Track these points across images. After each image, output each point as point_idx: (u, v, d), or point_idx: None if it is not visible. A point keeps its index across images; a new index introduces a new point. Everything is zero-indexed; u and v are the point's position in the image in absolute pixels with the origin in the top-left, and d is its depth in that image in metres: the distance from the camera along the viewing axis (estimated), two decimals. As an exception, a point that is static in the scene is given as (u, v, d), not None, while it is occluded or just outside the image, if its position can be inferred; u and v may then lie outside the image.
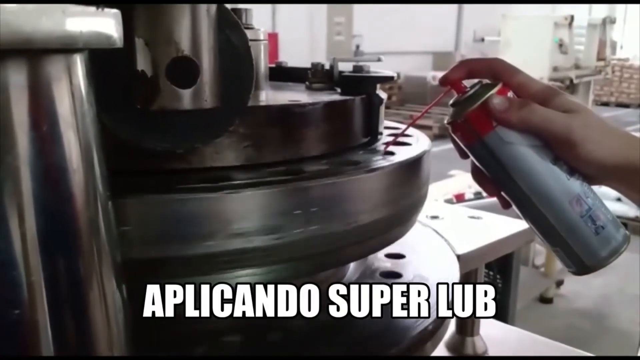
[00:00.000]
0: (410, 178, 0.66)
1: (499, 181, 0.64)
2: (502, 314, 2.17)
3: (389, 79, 0.73)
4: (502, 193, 0.66)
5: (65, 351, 0.33)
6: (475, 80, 0.66)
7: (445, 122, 0.65)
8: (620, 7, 15.16)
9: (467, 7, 13.12)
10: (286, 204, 0.53)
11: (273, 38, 8.50)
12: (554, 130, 0.59)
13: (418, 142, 0.73)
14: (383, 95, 0.73)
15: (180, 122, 0.50)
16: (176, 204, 0.48)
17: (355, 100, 0.68)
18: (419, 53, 12.15)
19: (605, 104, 13.45)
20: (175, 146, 0.51)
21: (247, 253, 0.51)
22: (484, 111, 0.61)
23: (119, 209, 0.42)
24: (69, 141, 0.32)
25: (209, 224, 0.50)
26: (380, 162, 0.63)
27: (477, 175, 0.67)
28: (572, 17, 4.50)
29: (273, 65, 0.91)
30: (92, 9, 0.30)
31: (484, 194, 0.69)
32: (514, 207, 0.66)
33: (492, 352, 1.06)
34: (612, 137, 0.60)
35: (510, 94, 0.62)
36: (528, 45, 4.43)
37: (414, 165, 0.66)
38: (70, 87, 0.32)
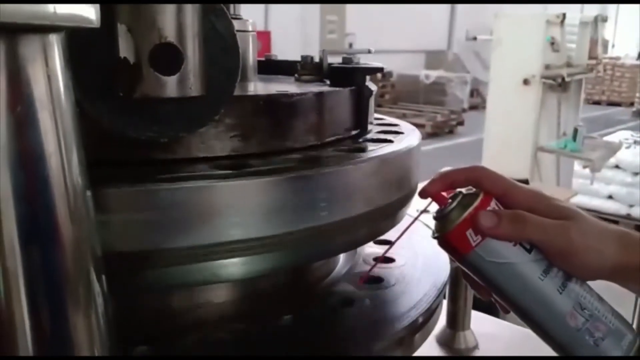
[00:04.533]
0: (407, 167, 0.67)
1: (492, 292, 0.61)
2: (493, 309, 2.16)
3: (378, 70, 0.72)
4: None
5: (43, 345, 0.32)
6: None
7: (431, 236, 0.61)
8: (612, 6, 15.24)
9: (460, 6, 13.15)
10: (283, 194, 0.52)
11: (266, 36, 8.47)
12: (551, 242, 0.56)
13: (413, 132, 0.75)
14: (373, 87, 0.73)
15: (164, 111, 0.49)
16: (159, 194, 0.47)
17: (344, 91, 0.68)
18: (412, 52, 12.18)
19: (597, 103, 13.53)
20: (159, 135, 0.50)
21: (238, 243, 0.51)
22: (462, 229, 0.56)
23: (99, 199, 0.41)
24: (44, 124, 0.31)
25: (197, 215, 0.49)
26: (377, 150, 0.63)
27: (468, 279, 0.63)
28: (564, 15, 4.50)
29: (262, 59, 0.90)
30: (67, -14, 0.29)
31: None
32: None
33: (483, 347, 1.06)
34: (609, 242, 0.57)
35: (493, 202, 0.58)
36: (520, 44, 4.43)
37: (411, 154, 0.67)
38: (46, 69, 0.31)
